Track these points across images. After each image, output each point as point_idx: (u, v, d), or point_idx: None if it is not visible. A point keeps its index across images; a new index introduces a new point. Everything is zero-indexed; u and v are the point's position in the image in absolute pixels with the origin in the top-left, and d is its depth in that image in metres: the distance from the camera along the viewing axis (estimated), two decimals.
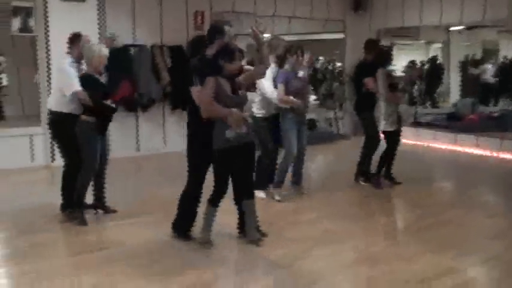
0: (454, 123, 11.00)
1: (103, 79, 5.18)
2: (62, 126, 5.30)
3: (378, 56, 6.73)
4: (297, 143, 6.15)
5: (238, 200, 4.67)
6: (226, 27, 4.59)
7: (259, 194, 6.25)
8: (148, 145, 8.92)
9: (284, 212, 5.80)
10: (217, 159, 4.42)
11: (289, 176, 6.39)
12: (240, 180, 4.54)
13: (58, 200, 5.46)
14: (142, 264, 4.26)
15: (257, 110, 6.18)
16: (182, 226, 4.76)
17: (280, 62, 6.12)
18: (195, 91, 4.44)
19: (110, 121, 5.25)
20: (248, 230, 4.66)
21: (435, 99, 14.25)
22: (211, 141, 4.37)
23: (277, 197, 6.15)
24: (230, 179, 4.52)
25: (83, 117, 5.09)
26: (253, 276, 4.10)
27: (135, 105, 8.67)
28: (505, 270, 4.24)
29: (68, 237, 5.06)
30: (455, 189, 7.40)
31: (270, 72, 6.08)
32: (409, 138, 10.39)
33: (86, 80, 5.06)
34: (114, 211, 5.54)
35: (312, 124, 10.92)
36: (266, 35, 6.37)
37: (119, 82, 8.11)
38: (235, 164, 4.42)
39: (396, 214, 6.17)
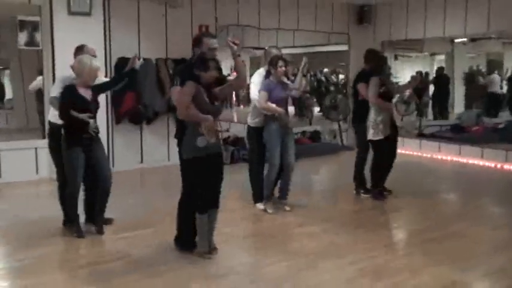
0: (458, 134, 10.98)
1: (88, 94, 5.04)
2: (54, 138, 5.29)
3: (373, 64, 6.75)
4: (284, 156, 6.06)
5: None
6: (205, 39, 4.74)
7: (259, 206, 6.27)
8: (152, 158, 8.94)
9: (287, 225, 5.79)
10: (187, 168, 4.44)
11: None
12: (207, 189, 4.50)
13: (61, 213, 5.47)
14: (145, 276, 4.25)
15: (250, 119, 6.22)
16: (183, 237, 4.76)
17: (267, 72, 6.16)
18: (175, 91, 4.51)
19: (86, 135, 5.01)
20: (200, 241, 4.61)
21: (444, 110, 14.14)
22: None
23: (269, 210, 6.12)
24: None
25: (63, 129, 5.08)
26: None
27: (139, 118, 8.70)
28: (511, 284, 4.21)
29: (71, 251, 5.06)
30: (459, 201, 7.38)
31: (259, 79, 6.15)
32: (413, 150, 10.40)
33: (65, 90, 5.00)
34: (101, 231, 5.33)
35: (316, 136, 10.95)
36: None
37: (123, 95, 8.25)
38: (203, 173, 4.42)
39: (400, 226, 6.15)
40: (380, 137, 6.51)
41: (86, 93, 5.04)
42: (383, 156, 6.64)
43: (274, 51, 6.27)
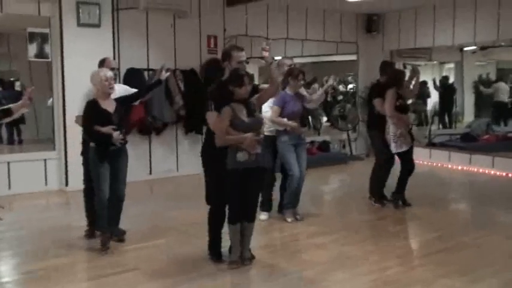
0: (469, 143, 10.90)
1: (110, 106, 5.05)
2: (84, 149, 5.41)
3: (390, 77, 6.72)
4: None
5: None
6: (234, 52, 4.66)
7: (263, 216, 6.22)
8: (161, 168, 8.93)
9: (299, 235, 5.75)
10: (229, 178, 4.44)
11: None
12: (243, 201, 4.53)
13: (73, 224, 5.46)
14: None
15: (265, 128, 6.19)
16: (212, 246, 4.79)
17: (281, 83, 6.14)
18: (211, 117, 4.51)
19: (109, 148, 5.03)
20: (234, 251, 4.66)
21: (450, 119, 14.07)
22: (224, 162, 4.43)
23: (288, 219, 6.12)
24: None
25: (91, 142, 5.12)
26: None
27: (148, 129, 8.71)
28: None
29: (82, 262, 5.05)
30: (471, 210, 7.30)
31: None
32: (423, 159, 10.33)
33: (86, 106, 5.06)
34: (122, 239, 5.40)
35: (325, 146, 10.91)
36: (277, 57, 6.41)
37: (131, 106, 8.25)
38: (238, 186, 4.44)
39: (412, 236, 6.09)
40: (404, 148, 6.54)
41: (108, 106, 5.05)
42: (410, 166, 6.66)
43: (288, 62, 6.25)
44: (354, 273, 4.55)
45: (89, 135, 5.09)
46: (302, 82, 6.03)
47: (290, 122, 5.92)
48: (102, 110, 5.01)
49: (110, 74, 5.08)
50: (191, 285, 4.31)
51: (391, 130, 6.54)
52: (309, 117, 13.43)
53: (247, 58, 4.87)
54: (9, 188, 7.66)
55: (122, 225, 5.55)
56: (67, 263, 4.92)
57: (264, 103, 4.93)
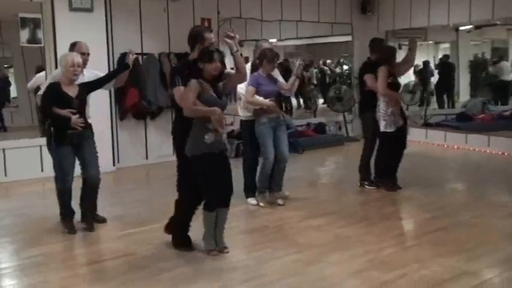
0: (464, 123, 10.91)
1: (72, 91, 5.03)
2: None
3: (381, 54, 6.66)
4: (277, 148, 5.98)
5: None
6: (207, 34, 4.66)
7: (251, 201, 6.20)
8: (157, 153, 8.92)
9: (294, 217, 5.75)
10: (195, 165, 4.39)
11: None
12: (215, 187, 4.45)
13: None
14: (152, 273, 4.24)
15: (242, 113, 6.15)
16: (176, 232, 4.76)
17: (253, 66, 6.09)
18: (178, 91, 4.45)
19: (72, 131, 5.00)
20: (207, 239, 4.59)
21: (451, 98, 14.02)
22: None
23: (261, 204, 6.08)
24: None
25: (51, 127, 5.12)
26: (266, 282, 4.06)
27: (143, 113, 8.68)
28: None
29: (77, 248, 5.06)
30: (467, 190, 7.33)
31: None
32: (419, 139, 10.35)
33: (48, 88, 5.09)
34: (91, 228, 5.31)
35: (321, 128, 10.91)
36: (272, 39, 6.35)
37: (126, 91, 8.22)
38: (211, 170, 4.38)
39: (408, 217, 6.11)
40: (392, 128, 6.47)
41: (70, 90, 5.03)
42: (392, 148, 6.58)
43: (266, 45, 6.19)
44: (351, 254, 4.57)
45: (47, 116, 5.08)
46: (276, 65, 5.98)
47: (266, 101, 5.86)
48: (64, 93, 4.99)
49: (77, 59, 5.02)
50: (188, 269, 4.32)
51: (381, 108, 6.48)
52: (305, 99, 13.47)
53: (241, 41, 4.85)
54: (6, 175, 7.66)
55: (118, 210, 5.57)
56: (64, 249, 4.95)
57: (230, 90, 4.88)
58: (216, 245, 4.58)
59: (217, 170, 4.41)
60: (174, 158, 8.77)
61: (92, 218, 5.40)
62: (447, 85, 13.78)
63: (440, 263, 4.32)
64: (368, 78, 6.62)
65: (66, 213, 5.31)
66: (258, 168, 6.15)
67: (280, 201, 6.13)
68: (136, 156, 8.73)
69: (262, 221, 5.65)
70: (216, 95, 4.38)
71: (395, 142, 6.58)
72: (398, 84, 6.69)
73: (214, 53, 4.34)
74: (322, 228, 5.34)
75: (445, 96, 13.83)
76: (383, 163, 6.72)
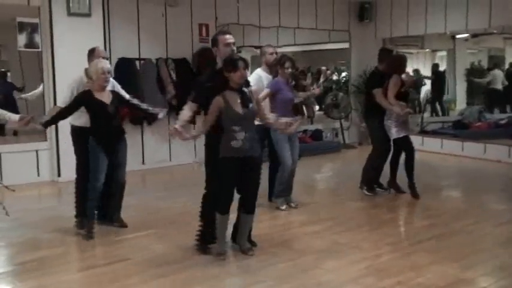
0: (461, 131, 10.94)
1: (105, 97, 5.09)
2: (76, 138, 5.46)
3: (391, 64, 6.63)
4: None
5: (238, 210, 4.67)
6: (219, 36, 4.63)
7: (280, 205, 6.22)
8: (153, 158, 8.91)
9: (292, 223, 5.76)
10: (221, 167, 4.41)
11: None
12: (242, 193, 4.54)
13: (65, 215, 5.45)
14: (149, 278, 4.22)
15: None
16: (204, 236, 4.73)
17: (271, 71, 6.13)
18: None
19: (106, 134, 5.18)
20: (240, 239, 4.69)
21: (442, 106, 14.07)
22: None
23: (281, 207, 6.14)
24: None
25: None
26: None
27: (140, 118, 8.67)
28: None
29: (75, 252, 5.05)
30: (463, 197, 7.34)
31: (259, 79, 6.08)
32: (415, 147, 10.32)
33: (78, 95, 5.15)
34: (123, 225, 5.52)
35: (318, 134, 10.91)
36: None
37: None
38: (231, 174, 4.40)
39: (404, 224, 6.12)
40: (403, 134, 6.51)
41: (103, 97, 5.08)
42: (412, 151, 6.62)
43: (270, 50, 6.23)
44: (347, 260, 4.57)
45: (62, 115, 5.16)
46: (289, 70, 5.97)
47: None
48: (97, 100, 5.04)
49: (107, 66, 5.10)
50: (186, 274, 4.31)
51: (393, 116, 6.48)
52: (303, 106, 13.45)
53: (239, 47, 4.85)
54: (1, 179, 7.62)
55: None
56: (60, 254, 4.91)
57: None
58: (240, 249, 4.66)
59: (237, 175, 4.42)
60: (170, 163, 8.89)
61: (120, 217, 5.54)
62: (438, 93, 13.83)
63: (436, 270, 4.32)
64: (377, 93, 6.55)
65: (90, 214, 5.25)
66: (277, 174, 6.16)
67: (293, 204, 6.23)
68: (132, 162, 8.67)
69: (259, 227, 5.63)
70: (243, 102, 4.37)
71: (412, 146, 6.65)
72: (408, 94, 6.71)
73: (238, 61, 4.33)
74: (319, 234, 5.34)
75: (437, 104, 13.88)
76: (408, 167, 6.69)
